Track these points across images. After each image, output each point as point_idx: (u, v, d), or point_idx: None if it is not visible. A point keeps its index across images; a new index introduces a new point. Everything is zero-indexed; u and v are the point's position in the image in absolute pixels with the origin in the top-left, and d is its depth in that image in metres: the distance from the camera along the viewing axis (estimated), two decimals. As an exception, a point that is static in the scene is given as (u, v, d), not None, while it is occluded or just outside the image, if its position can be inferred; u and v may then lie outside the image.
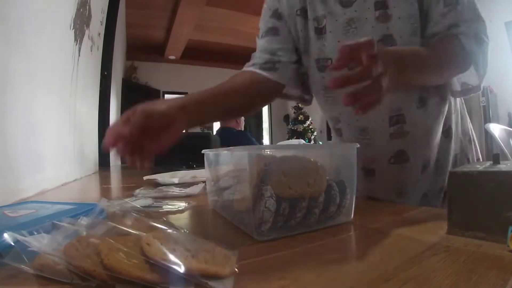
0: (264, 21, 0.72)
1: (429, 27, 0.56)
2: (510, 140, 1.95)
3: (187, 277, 0.21)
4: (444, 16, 0.54)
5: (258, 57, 0.70)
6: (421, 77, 0.53)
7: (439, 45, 0.53)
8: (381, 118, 0.61)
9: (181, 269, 0.21)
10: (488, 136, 3.07)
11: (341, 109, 0.67)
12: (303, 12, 0.66)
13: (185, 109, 0.50)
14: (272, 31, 0.69)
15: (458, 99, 0.69)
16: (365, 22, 0.58)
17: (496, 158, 0.37)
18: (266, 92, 0.70)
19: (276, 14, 0.69)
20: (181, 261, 0.21)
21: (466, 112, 0.73)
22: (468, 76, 0.57)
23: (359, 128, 0.64)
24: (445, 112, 0.63)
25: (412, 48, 0.54)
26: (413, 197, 0.64)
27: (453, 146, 0.67)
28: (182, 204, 0.56)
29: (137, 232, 0.26)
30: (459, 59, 0.53)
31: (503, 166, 0.34)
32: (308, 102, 0.78)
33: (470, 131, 0.73)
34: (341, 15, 0.60)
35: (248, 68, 0.70)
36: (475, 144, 0.73)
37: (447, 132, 0.65)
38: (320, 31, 0.64)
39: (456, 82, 0.60)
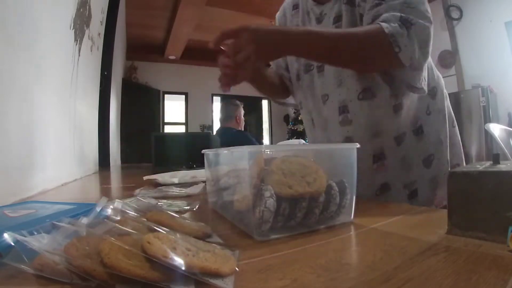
0: None
1: (364, 20, 0.61)
2: (510, 140, 1.95)
3: (188, 274, 0.21)
4: (369, 11, 0.59)
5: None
6: (313, 52, 0.58)
7: (351, 29, 0.61)
8: (334, 108, 0.71)
9: (182, 266, 0.21)
10: (488, 136, 3.07)
11: (311, 100, 0.77)
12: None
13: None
14: None
15: (445, 104, 0.73)
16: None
17: (496, 158, 0.37)
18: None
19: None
20: (182, 259, 0.21)
21: (454, 118, 0.75)
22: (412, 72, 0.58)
23: (324, 118, 0.75)
24: (403, 108, 0.67)
25: (307, 28, 0.68)
26: (368, 184, 0.68)
27: (427, 147, 0.69)
28: (184, 205, 0.56)
29: (137, 232, 0.26)
30: (372, 40, 0.54)
31: (503, 166, 0.34)
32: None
33: (456, 137, 0.75)
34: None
35: None
36: (459, 149, 0.74)
37: (417, 131, 0.68)
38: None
39: (418, 78, 0.59)
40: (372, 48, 0.55)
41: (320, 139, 0.78)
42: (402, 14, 0.53)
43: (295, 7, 0.80)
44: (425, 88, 0.61)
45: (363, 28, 0.58)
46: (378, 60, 0.58)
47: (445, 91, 0.75)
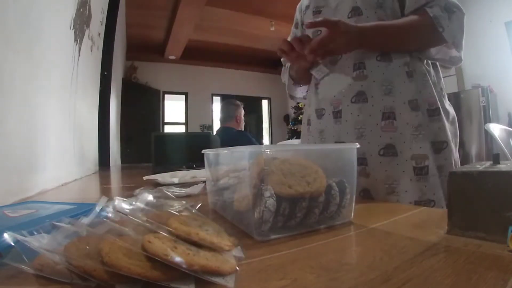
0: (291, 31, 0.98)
1: (406, 8, 0.71)
2: (510, 140, 1.95)
3: (189, 272, 0.21)
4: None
5: None
6: (385, 41, 0.70)
7: (405, 17, 0.70)
8: (348, 64, 0.74)
9: (183, 265, 0.21)
10: (488, 136, 3.07)
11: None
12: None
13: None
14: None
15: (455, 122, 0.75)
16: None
17: (496, 158, 0.37)
18: None
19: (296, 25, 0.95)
20: (182, 257, 0.21)
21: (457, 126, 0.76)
22: (447, 48, 0.71)
23: (334, 76, 0.77)
24: (415, 77, 0.71)
25: (374, 23, 0.71)
26: (374, 142, 0.69)
27: (439, 133, 0.69)
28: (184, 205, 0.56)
29: (137, 233, 0.26)
30: (421, 22, 0.67)
31: (503, 166, 0.34)
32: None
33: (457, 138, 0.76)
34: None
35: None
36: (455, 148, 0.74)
37: (432, 112, 0.70)
38: (317, 13, 0.83)
39: (441, 53, 0.73)
40: (423, 31, 0.68)
41: (324, 102, 0.79)
42: (446, 3, 0.67)
43: None
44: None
45: (413, 17, 0.69)
46: (428, 41, 0.70)
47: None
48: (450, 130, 0.71)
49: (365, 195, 0.70)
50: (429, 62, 0.75)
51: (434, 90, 0.71)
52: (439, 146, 0.68)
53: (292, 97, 1.05)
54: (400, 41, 0.70)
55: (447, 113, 0.73)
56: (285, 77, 0.99)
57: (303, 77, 0.90)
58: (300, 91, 1.00)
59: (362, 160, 0.69)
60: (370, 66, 0.71)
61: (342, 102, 0.74)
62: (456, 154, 0.71)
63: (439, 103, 0.71)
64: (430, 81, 0.71)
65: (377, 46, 0.71)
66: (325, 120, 0.78)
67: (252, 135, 2.51)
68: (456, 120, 0.75)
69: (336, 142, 0.74)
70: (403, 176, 0.66)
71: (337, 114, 0.75)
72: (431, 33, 0.67)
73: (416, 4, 0.69)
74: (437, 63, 0.77)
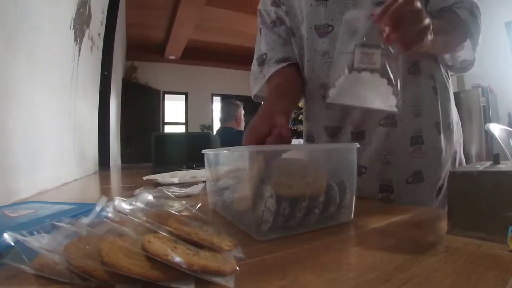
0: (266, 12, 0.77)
1: (429, 6, 0.62)
2: (510, 140, 1.95)
3: (189, 272, 0.21)
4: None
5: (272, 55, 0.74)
6: (444, 38, 0.57)
7: (443, 15, 0.61)
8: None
9: (183, 265, 0.21)
10: (488, 136, 3.07)
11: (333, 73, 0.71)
12: None
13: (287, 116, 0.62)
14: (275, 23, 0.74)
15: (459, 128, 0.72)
16: None
17: (496, 158, 0.37)
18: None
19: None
20: (182, 257, 0.21)
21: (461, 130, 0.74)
22: (465, 51, 0.64)
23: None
24: (439, 92, 0.65)
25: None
26: (402, 169, 0.64)
27: (459, 146, 0.68)
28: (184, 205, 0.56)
29: (137, 233, 0.26)
30: (459, 25, 0.60)
31: (503, 166, 0.34)
32: None
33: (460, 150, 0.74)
34: None
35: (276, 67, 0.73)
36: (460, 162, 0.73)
37: (450, 131, 0.67)
38: None
39: (453, 59, 0.66)
40: (461, 34, 0.61)
41: (337, 119, 0.69)
42: (471, 6, 0.61)
43: None
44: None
45: (448, 14, 0.61)
46: (458, 43, 0.62)
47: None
48: (459, 142, 0.70)
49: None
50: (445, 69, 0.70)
51: (451, 103, 0.68)
52: (455, 163, 0.68)
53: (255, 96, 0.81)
54: (450, 41, 0.60)
55: (457, 125, 0.70)
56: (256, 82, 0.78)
57: None
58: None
59: (387, 187, 0.65)
60: (403, 80, 0.65)
61: (367, 123, 0.66)
62: (459, 154, 0.70)
63: (454, 117, 0.69)
64: (449, 93, 0.68)
65: (436, 44, 0.56)
66: (341, 140, 0.69)
67: (252, 135, 2.50)
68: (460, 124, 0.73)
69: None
70: (427, 200, 0.64)
71: (358, 135, 0.67)
72: (462, 38, 0.61)
73: (443, 3, 0.62)
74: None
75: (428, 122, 0.64)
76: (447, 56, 0.66)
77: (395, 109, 0.47)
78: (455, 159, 0.68)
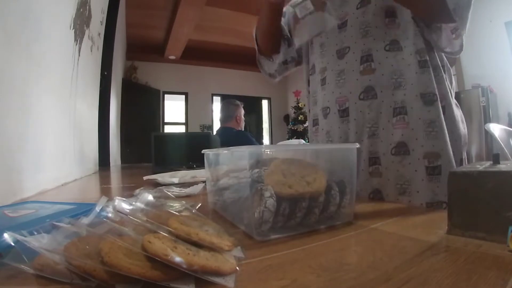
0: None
1: None
2: (510, 140, 1.95)
3: (189, 272, 0.21)
4: None
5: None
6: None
7: None
8: (355, 58, 0.70)
9: (183, 264, 0.21)
10: (488, 136, 3.07)
11: (329, 58, 0.76)
12: None
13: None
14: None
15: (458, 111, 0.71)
16: None
17: (496, 158, 0.37)
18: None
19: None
20: (182, 257, 0.21)
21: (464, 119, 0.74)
22: (455, 42, 0.65)
23: (338, 71, 0.73)
24: (429, 68, 0.66)
25: None
26: (386, 140, 0.66)
27: (452, 128, 0.67)
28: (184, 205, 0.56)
29: (137, 233, 0.26)
30: None
31: (503, 166, 0.34)
32: (274, 76, 0.94)
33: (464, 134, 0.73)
34: None
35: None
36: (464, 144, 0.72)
37: (445, 108, 0.67)
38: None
39: (450, 44, 0.66)
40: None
41: (330, 96, 0.74)
42: None
43: None
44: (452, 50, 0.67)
45: None
46: (435, 11, 0.63)
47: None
48: (461, 129, 0.69)
49: (375, 197, 0.67)
50: (443, 57, 0.70)
51: (447, 86, 0.68)
52: (459, 155, 0.66)
53: (260, 67, 0.95)
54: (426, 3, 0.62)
55: (458, 110, 0.70)
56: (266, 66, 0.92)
57: (266, 37, 0.84)
58: (267, 66, 0.92)
59: (375, 160, 0.67)
60: (378, 58, 0.67)
61: (349, 99, 0.70)
62: (464, 155, 0.69)
63: (452, 99, 0.68)
64: (444, 76, 0.68)
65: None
66: (330, 120, 0.74)
67: (252, 135, 2.51)
68: (464, 120, 0.73)
69: (344, 143, 0.71)
70: (415, 176, 0.63)
71: (343, 113, 0.71)
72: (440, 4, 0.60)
73: None
74: (447, 63, 0.72)
75: (411, 92, 0.65)
76: (444, 42, 0.66)
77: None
78: (460, 152, 0.67)
